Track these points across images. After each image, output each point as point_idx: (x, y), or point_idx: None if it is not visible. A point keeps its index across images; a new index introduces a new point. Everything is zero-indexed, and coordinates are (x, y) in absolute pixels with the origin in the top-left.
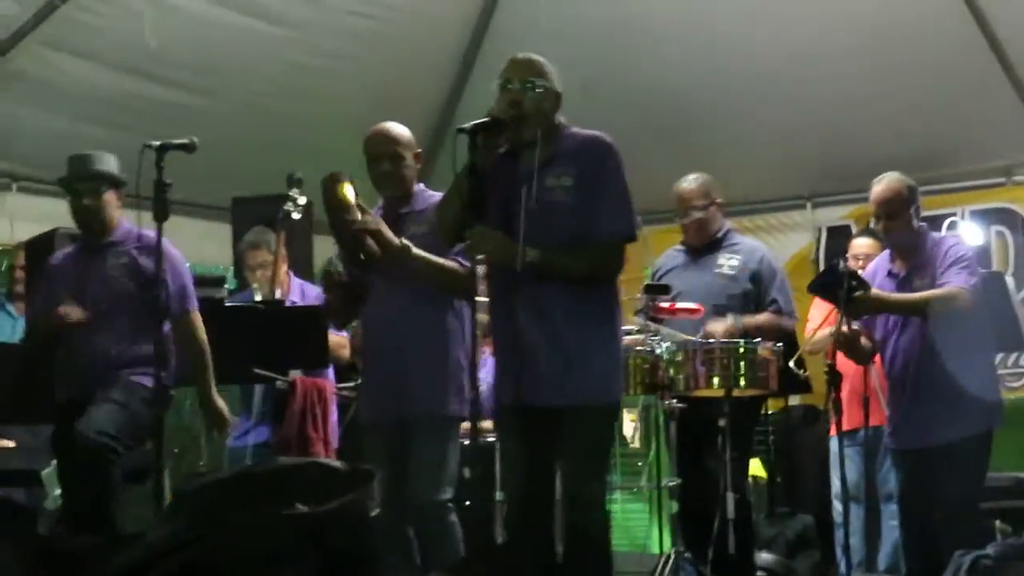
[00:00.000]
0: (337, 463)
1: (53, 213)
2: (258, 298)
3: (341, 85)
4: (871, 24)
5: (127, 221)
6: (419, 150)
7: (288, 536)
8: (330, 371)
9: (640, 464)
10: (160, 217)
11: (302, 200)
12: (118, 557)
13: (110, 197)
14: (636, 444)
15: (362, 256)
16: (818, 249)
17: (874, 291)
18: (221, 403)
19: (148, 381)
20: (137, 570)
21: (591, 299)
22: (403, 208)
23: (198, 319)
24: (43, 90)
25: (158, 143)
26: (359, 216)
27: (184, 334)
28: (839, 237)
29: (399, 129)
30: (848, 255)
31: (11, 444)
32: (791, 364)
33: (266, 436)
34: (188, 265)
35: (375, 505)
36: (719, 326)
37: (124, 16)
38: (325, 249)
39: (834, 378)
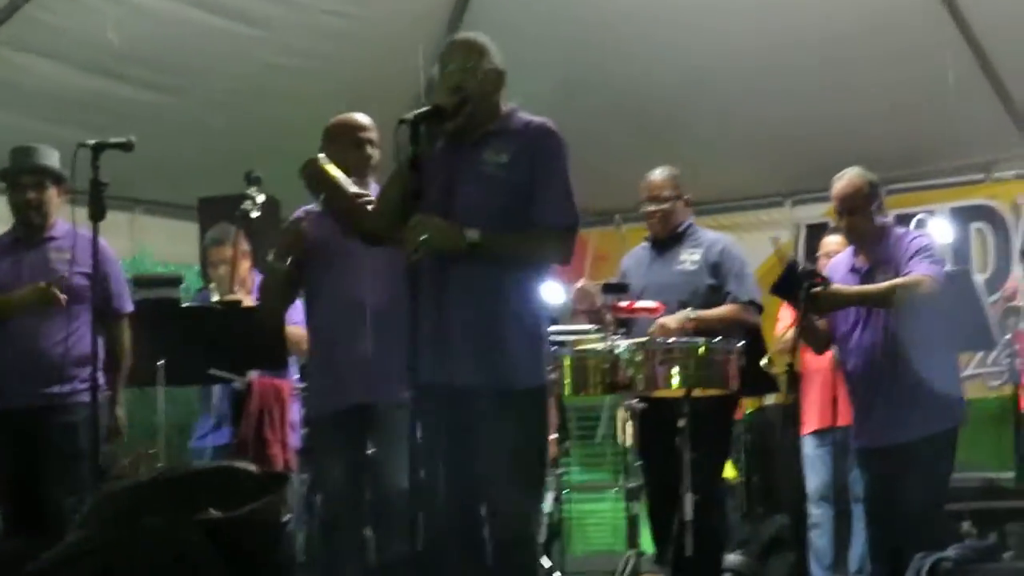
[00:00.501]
0: (252, 467)
1: None
2: (215, 297)
3: (313, 85)
4: (848, 21)
5: (62, 219)
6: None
7: (197, 541)
8: (293, 369)
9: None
10: (96, 216)
11: (261, 198)
12: (31, 563)
13: (53, 192)
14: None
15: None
16: (797, 247)
17: (835, 286)
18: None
19: (86, 395)
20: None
21: (520, 282)
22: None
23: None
24: (7, 91)
25: (93, 141)
26: (352, 189)
27: (118, 336)
28: (818, 234)
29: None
30: (819, 253)
31: None
32: (762, 364)
33: (227, 438)
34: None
35: (288, 510)
36: (671, 320)
37: (88, 15)
38: None
39: (793, 379)
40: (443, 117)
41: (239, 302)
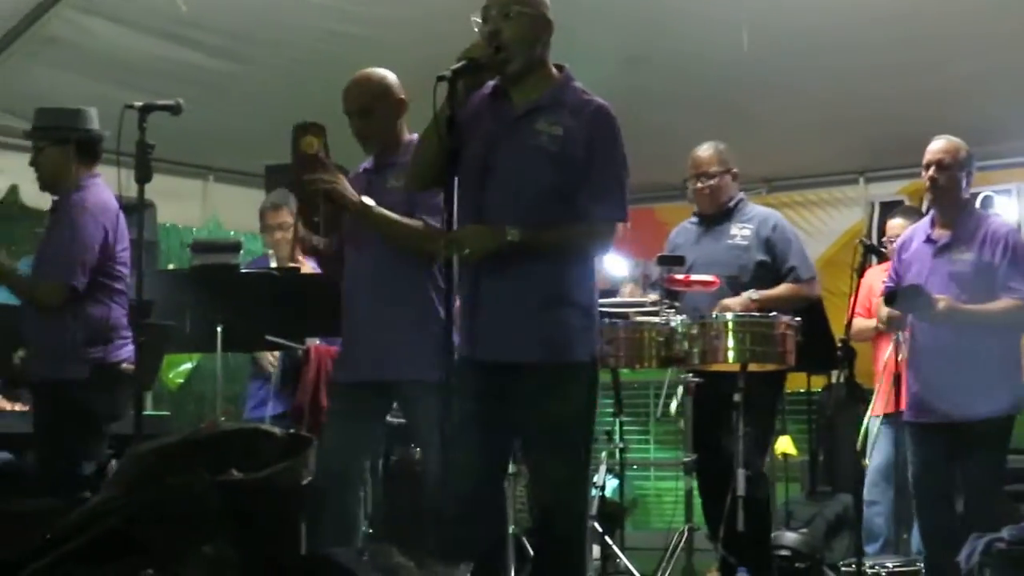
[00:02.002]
0: (277, 430)
1: None
2: (273, 264)
3: (379, 53)
4: None
5: (88, 184)
6: (402, 96)
7: (216, 502)
8: None
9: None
10: (142, 179)
11: None
12: (58, 521)
13: (56, 154)
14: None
15: (315, 219)
16: (871, 225)
17: (951, 302)
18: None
19: (82, 369)
20: (68, 535)
21: (563, 261)
22: (389, 158)
23: (53, 293)
24: (76, 55)
25: (140, 104)
26: (318, 174)
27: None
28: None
29: (373, 80)
30: (884, 238)
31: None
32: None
33: (286, 407)
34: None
35: (308, 473)
36: (734, 302)
37: None
38: None
39: (848, 353)
40: (480, 70)
41: (298, 269)
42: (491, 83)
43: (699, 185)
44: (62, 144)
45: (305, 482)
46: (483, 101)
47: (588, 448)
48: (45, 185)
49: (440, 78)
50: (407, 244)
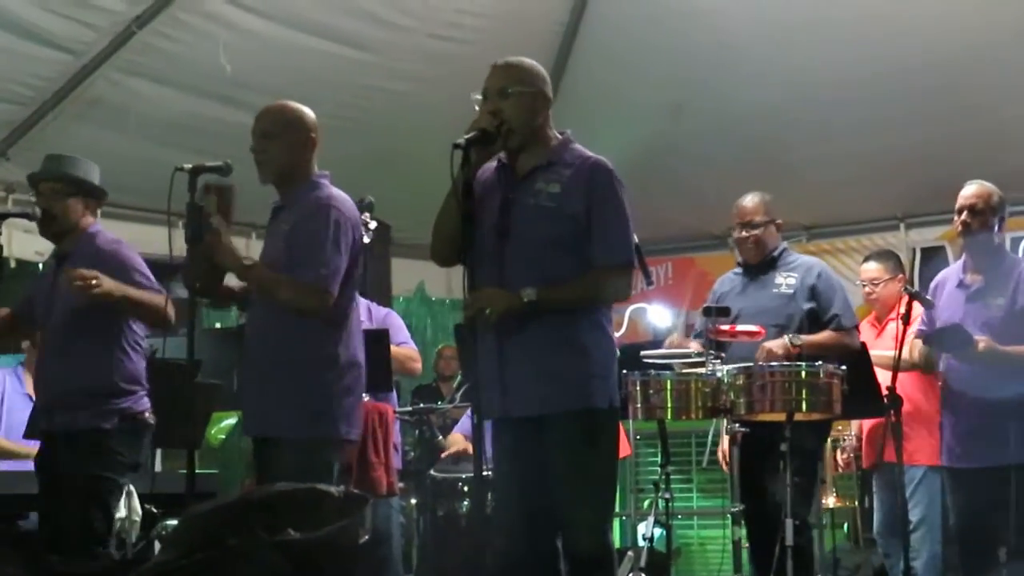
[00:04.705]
0: (333, 489)
1: (132, 238)
2: None
3: (418, 108)
4: (965, 38)
5: (97, 230)
6: (312, 134)
7: (276, 562)
8: (393, 395)
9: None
10: (192, 240)
11: (372, 224)
12: None
13: (75, 203)
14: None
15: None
16: (912, 270)
17: (985, 342)
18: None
19: (109, 420)
20: None
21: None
22: (284, 199)
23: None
24: (121, 115)
25: (190, 166)
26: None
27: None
28: (934, 259)
29: (273, 112)
30: (858, 280)
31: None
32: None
33: None
34: None
35: (364, 532)
36: (776, 345)
37: (201, 42)
38: (402, 271)
39: (894, 401)
40: (491, 140)
41: None
42: (498, 158)
43: (744, 234)
44: (88, 195)
45: (362, 540)
46: (492, 174)
47: (612, 492)
48: (56, 231)
49: (455, 146)
50: (284, 304)
